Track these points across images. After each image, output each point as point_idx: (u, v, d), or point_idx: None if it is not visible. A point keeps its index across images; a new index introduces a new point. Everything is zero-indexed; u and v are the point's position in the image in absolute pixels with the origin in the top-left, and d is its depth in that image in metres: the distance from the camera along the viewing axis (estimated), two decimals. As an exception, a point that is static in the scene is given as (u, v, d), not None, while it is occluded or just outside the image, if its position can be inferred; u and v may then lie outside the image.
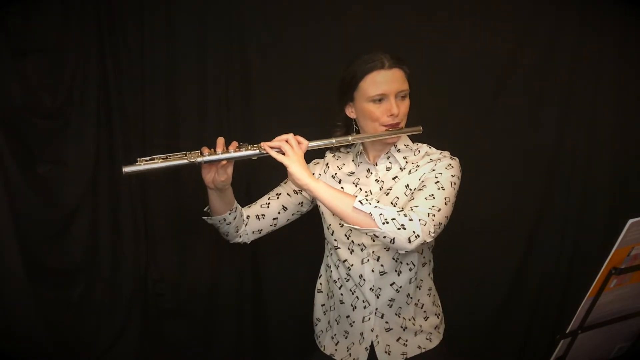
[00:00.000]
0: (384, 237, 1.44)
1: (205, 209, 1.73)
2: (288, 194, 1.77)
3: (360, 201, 1.45)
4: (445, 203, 1.53)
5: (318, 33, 2.04)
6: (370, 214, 1.44)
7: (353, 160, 1.75)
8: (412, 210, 1.49)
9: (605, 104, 2.14)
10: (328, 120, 1.78)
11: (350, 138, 1.62)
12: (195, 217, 1.98)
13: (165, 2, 1.92)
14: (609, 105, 2.14)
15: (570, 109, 2.16)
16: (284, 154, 1.52)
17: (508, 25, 2.11)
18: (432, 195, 1.53)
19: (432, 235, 1.47)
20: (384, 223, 1.43)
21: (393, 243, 1.44)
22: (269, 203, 1.76)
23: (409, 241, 1.43)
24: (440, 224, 1.51)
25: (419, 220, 1.44)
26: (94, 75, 1.80)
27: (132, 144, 1.93)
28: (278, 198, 1.77)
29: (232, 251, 1.85)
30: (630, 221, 1.13)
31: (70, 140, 1.76)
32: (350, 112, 1.67)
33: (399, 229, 1.43)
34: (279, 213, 1.76)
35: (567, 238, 2.23)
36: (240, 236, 1.76)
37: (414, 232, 1.43)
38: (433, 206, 1.50)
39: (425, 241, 1.45)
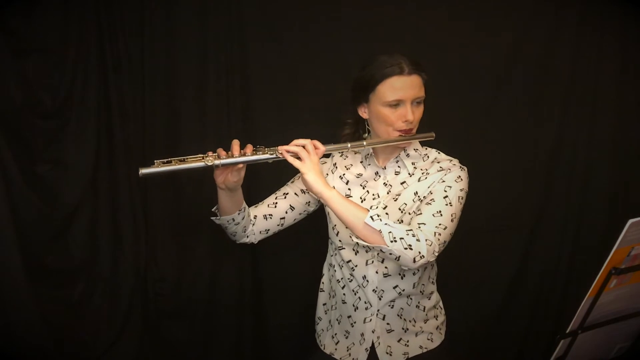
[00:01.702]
0: (390, 254, 1.46)
1: (213, 209, 1.74)
2: (295, 194, 1.77)
3: (371, 217, 1.47)
4: (452, 220, 1.55)
5: (318, 33, 2.04)
6: (380, 231, 1.45)
7: (361, 162, 1.75)
8: (419, 228, 1.50)
9: (605, 103, 2.14)
10: (330, 120, 1.78)
11: (364, 143, 1.63)
12: (195, 217, 1.98)
13: (165, 2, 1.92)
14: (609, 105, 2.14)
15: (570, 108, 2.16)
16: (299, 158, 1.53)
17: (508, 24, 2.11)
18: (440, 212, 1.54)
19: (436, 254, 1.49)
20: (392, 241, 1.44)
21: (398, 260, 1.47)
22: (276, 203, 1.76)
23: (414, 261, 1.45)
24: (445, 242, 1.53)
25: (426, 240, 1.46)
26: (94, 75, 1.80)
27: (132, 144, 1.92)
28: (285, 198, 1.77)
29: (232, 250, 1.85)
30: (630, 221, 1.13)
31: (70, 140, 1.76)
32: (363, 112, 1.67)
33: (405, 248, 1.45)
34: (286, 213, 1.76)
35: (567, 238, 2.23)
36: (247, 236, 1.76)
37: (419, 252, 1.45)
38: (440, 224, 1.52)
39: (428, 261, 1.47)
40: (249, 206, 1.75)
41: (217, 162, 1.54)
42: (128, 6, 1.88)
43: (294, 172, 1.64)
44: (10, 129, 1.58)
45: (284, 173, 1.82)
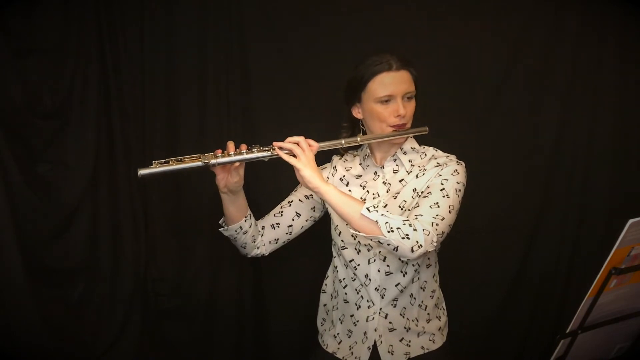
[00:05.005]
0: (388, 244, 1.46)
1: (220, 222, 1.75)
2: (300, 200, 1.78)
3: (368, 208, 1.47)
4: (449, 211, 1.55)
5: (318, 33, 2.04)
6: (376, 221, 1.46)
7: (360, 164, 1.77)
8: (416, 219, 1.51)
9: (605, 104, 2.14)
10: (330, 120, 1.78)
11: (358, 139, 1.65)
12: (195, 217, 1.99)
13: (165, 2, 1.92)
14: (609, 105, 2.14)
15: (570, 109, 2.16)
16: (294, 155, 1.53)
17: (508, 25, 2.11)
18: (437, 203, 1.54)
19: (435, 244, 1.49)
20: (389, 231, 1.45)
21: (396, 251, 1.47)
22: (282, 211, 1.78)
23: (412, 251, 1.45)
24: (443, 232, 1.53)
25: (423, 230, 1.46)
26: (94, 75, 1.80)
27: (132, 144, 1.92)
28: (290, 205, 1.78)
29: (232, 251, 1.85)
30: (630, 221, 1.13)
31: (70, 140, 1.76)
32: (357, 112, 1.69)
33: (403, 238, 1.45)
34: (292, 220, 1.77)
35: (567, 238, 2.23)
36: (257, 247, 1.77)
37: (417, 242, 1.45)
38: (437, 215, 1.52)
39: (427, 251, 1.47)
40: (255, 220, 1.76)
41: (214, 161, 1.55)
42: (128, 6, 1.88)
43: (294, 180, 1.64)
44: (10, 129, 1.58)
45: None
